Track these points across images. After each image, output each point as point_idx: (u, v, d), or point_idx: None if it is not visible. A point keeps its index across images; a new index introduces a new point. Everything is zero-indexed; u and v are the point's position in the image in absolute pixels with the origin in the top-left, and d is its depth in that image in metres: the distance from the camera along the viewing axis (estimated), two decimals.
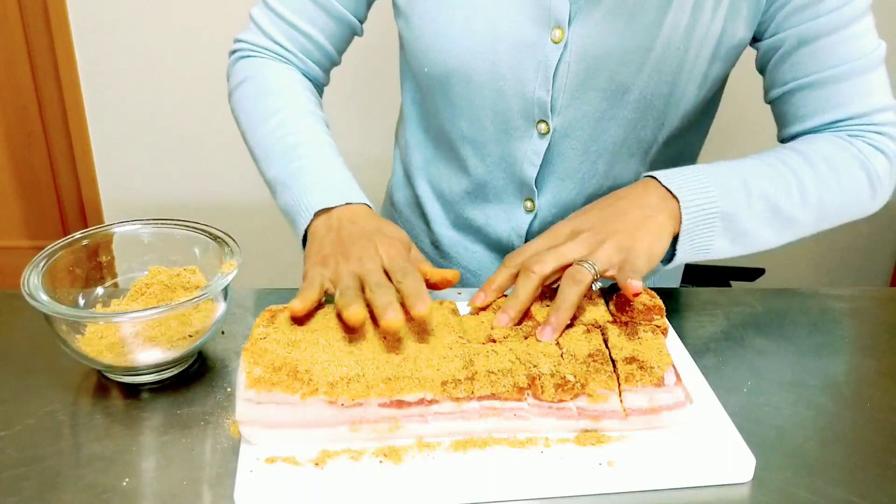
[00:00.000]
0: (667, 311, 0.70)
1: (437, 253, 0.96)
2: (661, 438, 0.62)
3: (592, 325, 0.67)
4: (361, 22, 0.87)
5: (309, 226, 0.73)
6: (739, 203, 0.71)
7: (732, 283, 1.79)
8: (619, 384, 0.61)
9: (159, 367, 0.68)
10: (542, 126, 0.80)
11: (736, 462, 0.60)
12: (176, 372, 0.69)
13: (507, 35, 0.76)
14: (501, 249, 0.92)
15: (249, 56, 0.86)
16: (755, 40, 0.79)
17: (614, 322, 0.67)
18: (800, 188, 0.73)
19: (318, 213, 0.72)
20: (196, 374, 0.70)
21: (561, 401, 0.60)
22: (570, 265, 0.66)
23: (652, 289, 0.71)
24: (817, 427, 0.67)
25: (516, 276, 0.67)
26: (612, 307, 0.69)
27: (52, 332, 0.65)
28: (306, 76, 0.87)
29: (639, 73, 0.76)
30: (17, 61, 2.01)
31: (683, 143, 0.86)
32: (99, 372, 0.69)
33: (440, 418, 0.60)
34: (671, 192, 0.69)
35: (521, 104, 0.80)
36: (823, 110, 0.77)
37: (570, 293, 0.63)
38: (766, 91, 0.81)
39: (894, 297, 0.90)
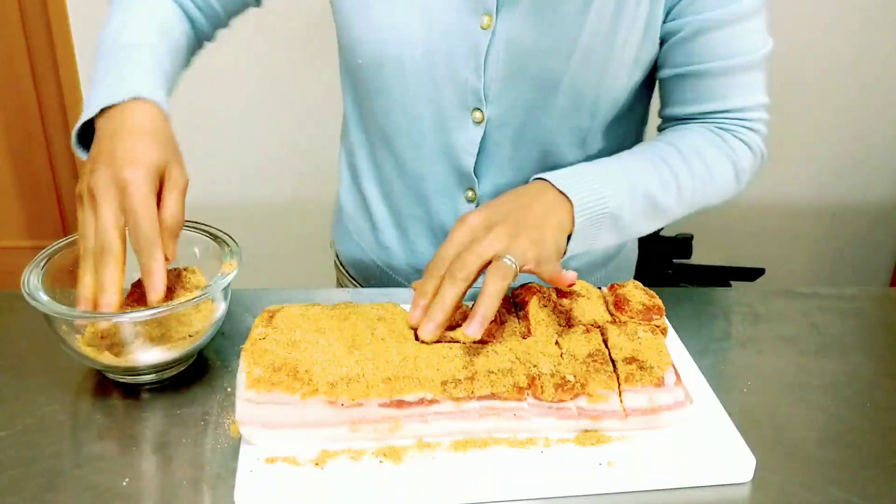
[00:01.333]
0: (666, 311, 0.70)
1: (386, 254, 0.96)
2: (660, 438, 0.62)
3: (592, 325, 0.67)
4: None
5: (95, 123, 0.68)
6: (625, 202, 0.74)
7: (732, 283, 1.79)
8: (619, 384, 0.61)
9: (159, 368, 0.67)
10: (477, 114, 0.81)
11: (736, 462, 0.60)
12: (176, 372, 0.69)
13: (439, 22, 0.77)
14: None
15: None
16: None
17: (614, 322, 0.67)
18: (677, 185, 0.77)
19: (104, 111, 0.68)
20: (196, 374, 0.70)
21: (561, 401, 0.60)
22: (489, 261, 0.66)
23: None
24: (817, 427, 0.67)
25: (442, 276, 0.67)
26: (611, 307, 0.70)
27: (52, 332, 0.65)
28: (186, 18, 0.84)
29: (567, 62, 0.77)
30: (17, 61, 2.01)
31: (623, 131, 0.87)
32: (99, 372, 0.69)
33: (440, 418, 0.60)
34: (564, 194, 0.71)
35: (455, 92, 0.80)
36: (706, 99, 0.81)
37: (495, 286, 0.63)
38: (658, 68, 0.84)
39: (894, 297, 0.90)
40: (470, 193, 0.87)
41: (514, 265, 0.64)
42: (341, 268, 1.05)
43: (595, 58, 0.77)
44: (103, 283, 0.61)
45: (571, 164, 0.85)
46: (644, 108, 0.90)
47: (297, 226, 2.09)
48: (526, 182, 0.85)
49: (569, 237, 0.72)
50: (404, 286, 0.97)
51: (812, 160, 2.05)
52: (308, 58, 1.90)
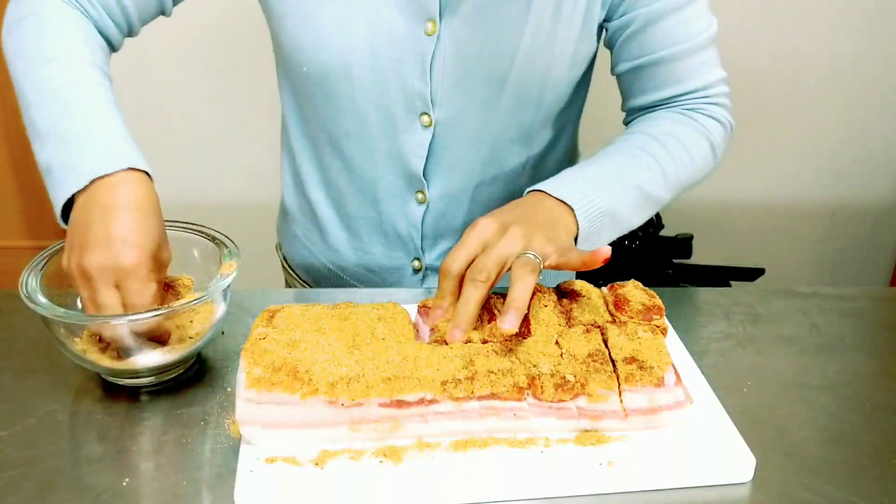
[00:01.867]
0: (666, 311, 0.70)
1: (335, 256, 0.97)
2: (661, 438, 0.62)
3: (592, 325, 0.67)
4: (174, 3, 0.85)
5: (79, 193, 0.66)
6: (618, 198, 0.76)
7: (732, 283, 1.79)
8: (619, 384, 0.61)
9: (159, 370, 0.67)
10: (425, 118, 0.82)
11: (736, 462, 0.60)
12: (176, 374, 0.69)
13: (385, 29, 0.78)
14: (401, 244, 0.93)
15: None
16: (605, 20, 0.84)
17: (614, 322, 0.67)
18: (661, 170, 0.80)
19: (94, 180, 0.65)
20: (196, 374, 0.70)
21: (561, 401, 0.60)
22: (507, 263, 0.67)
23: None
24: (817, 427, 0.67)
25: (460, 282, 0.67)
26: (611, 307, 0.70)
27: (50, 334, 0.65)
28: (99, 31, 0.80)
29: (512, 62, 0.79)
30: None
31: (562, 121, 0.90)
32: (99, 373, 0.69)
33: (440, 418, 0.60)
34: (562, 201, 0.73)
35: (402, 97, 0.81)
36: (666, 85, 0.83)
37: (525, 281, 0.63)
38: (614, 66, 0.86)
39: (894, 297, 0.90)
40: (420, 196, 0.88)
41: (537, 259, 0.65)
42: (290, 270, 1.06)
43: (537, 56, 0.80)
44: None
45: (517, 161, 0.89)
46: (581, 104, 0.92)
47: None
48: (475, 183, 0.88)
49: (575, 240, 0.73)
50: (355, 286, 0.97)
51: (812, 160, 2.05)
52: (263, 61, 1.90)
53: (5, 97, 2.06)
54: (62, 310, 0.64)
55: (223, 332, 0.76)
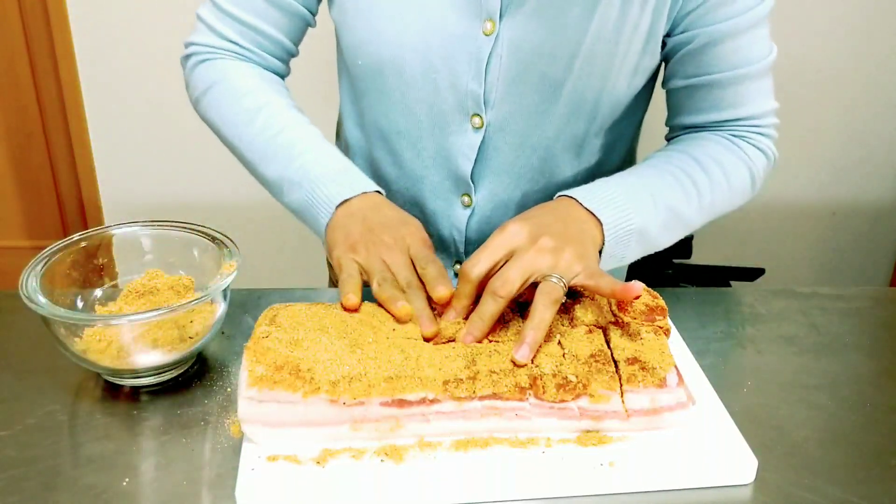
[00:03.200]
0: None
1: None
2: (662, 439, 0.62)
3: (594, 325, 0.67)
4: (313, 14, 0.87)
5: (330, 218, 0.75)
6: (650, 217, 0.74)
7: (732, 283, 1.79)
8: (621, 385, 0.61)
9: (159, 370, 0.67)
10: (477, 120, 0.81)
11: (738, 463, 0.60)
12: (176, 374, 0.69)
13: (439, 27, 0.77)
14: (443, 247, 0.93)
15: (208, 59, 0.84)
16: (666, 34, 0.82)
17: (616, 323, 0.67)
18: (698, 195, 0.78)
19: (337, 206, 0.74)
20: (196, 374, 0.70)
21: (562, 401, 0.60)
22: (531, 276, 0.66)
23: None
24: (817, 427, 0.67)
25: (479, 286, 0.67)
26: (614, 308, 0.69)
27: (50, 334, 0.65)
28: (267, 70, 0.87)
29: (570, 67, 0.77)
30: (17, 61, 2.00)
31: (617, 134, 0.88)
32: (99, 373, 0.69)
33: (442, 418, 0.60)
34: (591, 212, 0.72)
35: (454, 97, 0.81)
36: (718, 108, 0.81)
37: (546, 313, 0.63)
38: (666, 80, 0.85)
39: (894, 297, 0.90)
40: (466, 199, 0.87)
41: (561, 284, 0.64)
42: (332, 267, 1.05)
43: (597, 63, 0.77)
44: (421, 311, 0.67)
45: (568, 172, 0.86)
46: (639, 117, 0.90)
47: (296, 226, 2.09)
48: (523, 191, 0.86)
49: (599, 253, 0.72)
50: None
51: (812, 160, 2.05)
52: (309, 59, 1.90)
53: (6, 97, 2.06)
54: (62, 310, 0.64)
55: (223, 332, 0.76)
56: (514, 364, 0.61)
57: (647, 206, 0.74)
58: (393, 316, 0.66)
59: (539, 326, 0.62)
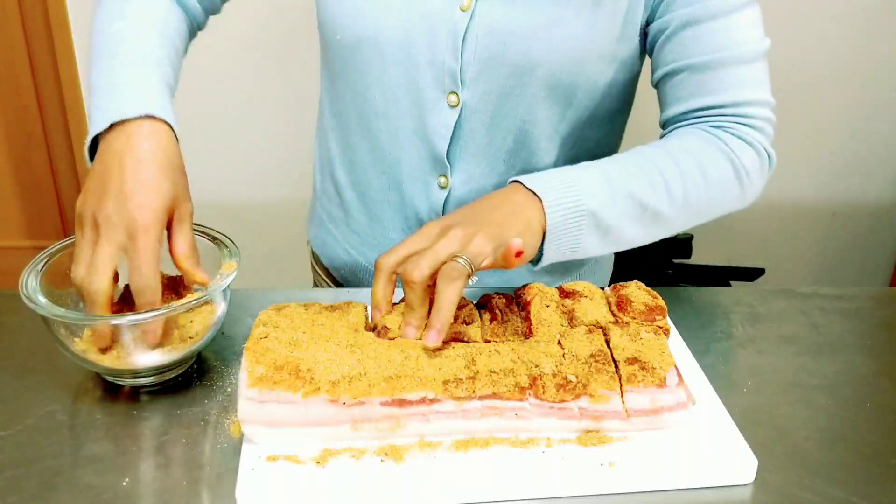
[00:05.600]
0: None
1: (356, 240, 0.96)
2: (662, 439, 0.62)
3: (594, 325, 0.67)
4: None
5: (102, 136, 0.67)
6: (604, 200, 0.71)
7: (732, 283, 1.78)
8: (621, 385, 0.61)
9: (159, 370, 0.67)
10: (453, 98, 0.81)
11: (738, 464, 0.60)
12: (176, 374, 0.69)
13: (418, 2, 0.78)
14: None
15: None
16: (646, 23, 0.81)
17: (616, 323, 0.67)
18: (664, 183, 0.74)
19: (114, 125, 0.66)
20: (196, 374, 0.70)
21: (562, 401, 0.60)
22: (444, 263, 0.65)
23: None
24: (817, 427, 0.67)
25: (394, 277, 0.67)
26: (614, 308, 0.69)
27: (50, 334, 0.65)
28: (182, 8, 0.83)
29: (544, 48, 0.77)
30: (17, 61, 2.00)
31: (599, 129, 0.87)
32: (99, 373, 0.69)
33: (442, 417, 0.60)
34: (534, 193, 0.70)
35: (431, 73, 0.80)
36: (698, 94, 0.78)
37: (447, 291, 0.62)
38: (653, 74, 0.83)
39: (894, 297, 0.90)
40: (442, 180, 0.86)
41: (465, 265, 0.63)
42: (314, 257, 1.06)
43: (573, 45, 0.77)
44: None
45: (546, 159, 0.86)
46: (622, 118, 0.89)
47: (296, 226, 2.09)
48: (499, 173, 0.85)
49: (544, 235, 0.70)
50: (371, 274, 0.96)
51: (812, 160, 2.05)
52: (302, 55, 1.90)
53: (6, 97, 2.06)
54: (62, 310, 0.64)
55: (223, 332, 0.76)
56: (425, 350, 0.62)
57: (601, 191, 0.72)
58: None
59: (443, 307, 0.61)
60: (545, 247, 0.71)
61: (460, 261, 0.63)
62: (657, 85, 0.83)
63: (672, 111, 0.81)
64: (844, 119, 2.00)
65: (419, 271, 0.63)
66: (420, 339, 0.63)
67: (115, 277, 0.64)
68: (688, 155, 0.76)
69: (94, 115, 0.68)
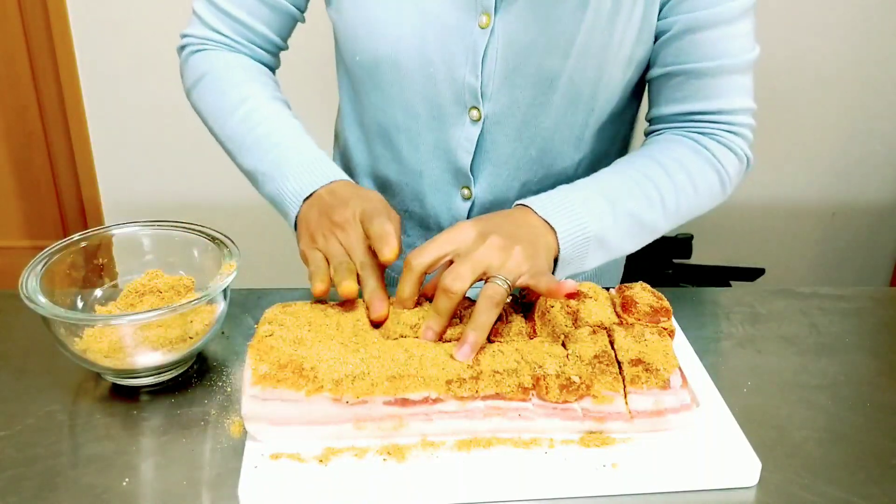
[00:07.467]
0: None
1: None
2: (666, 441, 0.62)
3: (598, 326, 0.67)
4: (301, 10, 0.89)
5: (298, 211, 0.76)
6: (607, 224, 0.74)
7: (732, 283, 1.79)
8: (625, 386, 0.61)
9: (159, 370, 0.67)
10: (474, 112, 0.82)
11: (741, 466, 0.60)
12: (176, 374, 0.69)
13: (435, 20, 0.78)
14: None
15: (200, 50, 0.87)
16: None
17: (621, 324, 0.67)
18: (661, 200, 0.77)
19: (305, 199, 0.75)
20: (196, 374, 0.70)
21: (566, 402, 0.60)
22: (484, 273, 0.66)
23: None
24: (817, 427, 0.67)
25: (423, 277, 0.67)
26: (618, 309, 0.69)
27: (50, 334, 0.65)
28: (259, 62, 0.89)
29: (566, 59, 0.78)
30: (17, 61, 2.00)
31: (614, 132, 0.88)
32: (99, 373, 0.69)
33: (444, 417, 0.60)
34: (546, 221, 0.72)
35: (451, 90, 0.81)
36: (691, 99, 0.80)
37: (487, 314, 0.63)
38: (648, 69, 0.84)
39: (894, 297, 0.90)
40: (466, 192, 0.87)
41: (505, 286, 0.64)
42: None
43: (592, 54, 0.78)
44: (371, 293, 0.68)
45: (567, 162, 0.87)
46: (634, 111, 0.91)
47: None
48: (522, 182, 0.86)
49: (556, 261, 0.72)
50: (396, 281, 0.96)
51: (812, 160, 2.05)
52: (309, 57, 1.90)
53: (6, 97, 2.06)
54: (62, 310, 0.64)
55: (223, 332, 0.76)
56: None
57: (604, 214, 0.74)
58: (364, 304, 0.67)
59: (480, 328, 0.62)
60: (557, 270, 0.73)
61: (500, 281, 0.64)
62: (650, 81, 0.84)
63: (664, 110, 0.83)
64: (844, 119, 2.00)
65: (461, 282, 0.64)
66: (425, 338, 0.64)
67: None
68: (679, 168, 0.79)
69: (284, 201, 0.77)
